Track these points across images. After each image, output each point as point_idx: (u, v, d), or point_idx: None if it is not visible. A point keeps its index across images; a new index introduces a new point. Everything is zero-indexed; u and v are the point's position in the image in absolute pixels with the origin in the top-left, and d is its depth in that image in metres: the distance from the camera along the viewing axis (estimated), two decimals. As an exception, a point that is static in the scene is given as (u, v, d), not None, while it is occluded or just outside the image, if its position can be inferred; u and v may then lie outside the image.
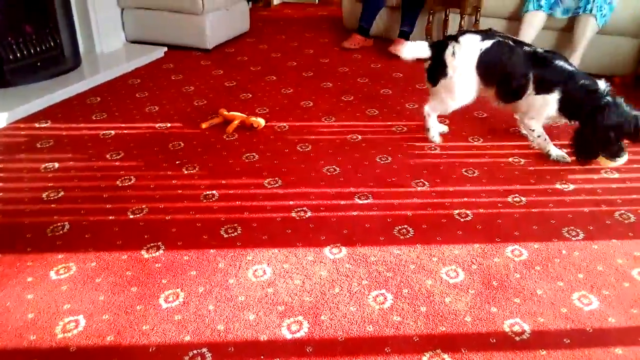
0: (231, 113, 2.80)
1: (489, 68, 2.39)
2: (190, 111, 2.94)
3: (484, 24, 3.76)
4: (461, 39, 2.40)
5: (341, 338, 1.50)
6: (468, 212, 2.07)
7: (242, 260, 1.79)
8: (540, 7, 3.43)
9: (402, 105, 3.05)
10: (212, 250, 1.84)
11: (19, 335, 1.50)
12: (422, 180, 2.29)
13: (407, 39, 3.98)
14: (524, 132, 2.60)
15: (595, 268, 1.77)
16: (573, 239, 1.92)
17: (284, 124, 2.79)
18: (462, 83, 2.44)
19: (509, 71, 2.37)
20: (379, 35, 4.23)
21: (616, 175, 2.34)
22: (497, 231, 1.96)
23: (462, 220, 2.02)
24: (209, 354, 1.44)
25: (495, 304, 1.62)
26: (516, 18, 3.63)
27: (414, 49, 2.45)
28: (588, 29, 3.29)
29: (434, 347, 1.47)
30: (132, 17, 3.94)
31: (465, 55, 2.39)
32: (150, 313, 1.57)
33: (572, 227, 1.98)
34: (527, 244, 1.89)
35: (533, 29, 3.47)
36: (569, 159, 2.43)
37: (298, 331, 1.52)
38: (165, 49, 3.88)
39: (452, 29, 3.82)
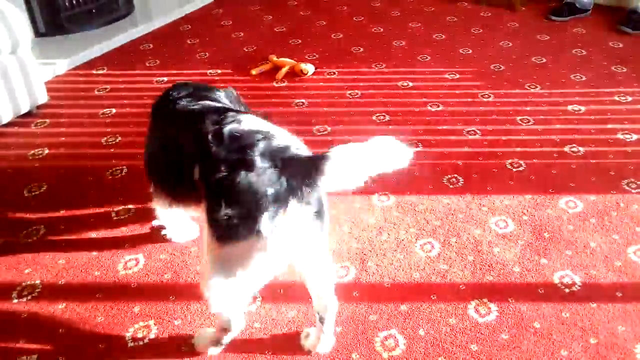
0: (281, 59, 2.78)
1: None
2: (240, 57, 2.94)
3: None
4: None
5: (387, 284, 1.53)
6: (521, 162, 2.01)
7: (291, 206, 1.83)
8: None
9: (456, 50, 2.94)
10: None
11: (85, 271, 1.61)
12: (474, 128, 2.23)
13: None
14: None
15: (655, 222, 1.71)
16: (633, 191, 1.84)
17: (334, 70, 2.76)
18: None
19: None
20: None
21: (685, 125, 2.20)
22: (551, 182, 1.90)
23: (514, 170, 1.97)
24: (259, 294, 1.50)
25: (546, 255, 1.60)
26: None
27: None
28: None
29: (481, 296, 1.48)
30: (181, -38, 3.91)
31: None
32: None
33: (632, 179, 1.90)
34: (582, 196, 1.83)
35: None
36: None
37: (345, 276, 1.56)
38: (215, -6, 3.85)
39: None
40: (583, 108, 2.34)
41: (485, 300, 1.46)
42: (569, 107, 2.36)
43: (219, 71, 2.79)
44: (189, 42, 3.15)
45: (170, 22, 3.46)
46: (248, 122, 1.24)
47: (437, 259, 1.60)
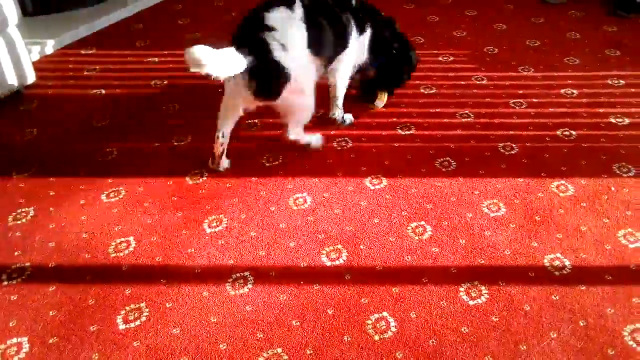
0: (273, 40, 2.74)
1: (319, 37, 1.83)
2: (232, 38, 2.90)
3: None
4: (273, 22, 1.71)
5: (379, 267, 1.53)
6: (513, 145, 2.01)
7: (283, 189, 1.82)
8: None
9: (450, 33, 2.91)
10: (254, 179, 1.87)
11: (75, 254, 1.60)
12: (466, 111, 2.22)
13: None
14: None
15: (645, 206, 1.72)
16: (624, 175, 1.85)
17: (326, 52, 2.72)
18: (308, 72, 1.83)
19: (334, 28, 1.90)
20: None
21: (677, 110, 2.20)
22: (543, 165, 1.90)
23: (506, 153, 1.97)
24: (251, 277, 1.51)
25: (537, 238, 1.61)
26: None
27: (223, 61, 1.60)
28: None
29: (472, 279, 1.49)
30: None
31: (297, 40, 1.75)
32: (195, 237, 1.64)
33: (624, 163, 1.90)
34: (574, 179, 1.83)
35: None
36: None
37: (337, 259, 1.56)
38: (207, -28, 3.78)
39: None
40: (576, 91, 2.34)
41: (476, 283, 1.47)
42: (562, 91, 2.35)
43: (211, 52, 2.75)
44: (180, 22, 3.10)
45: (161, 1, 3.40)
46: None
47: (429, 242, 1.61)
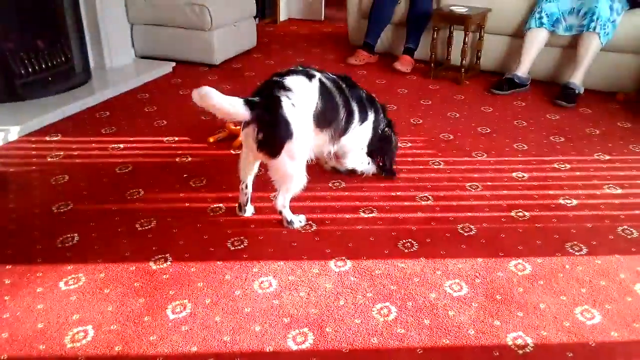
0: (238, 127, 2.83)
1: (326, 109, 2.04)
2: (198, 125, 2.99)
3: (487, 40, 3.81)
4: (290, 84, 1.92)
5: (345, 350, 1.52)
6: (472, 226, 2.09)
7: (248, 273, 1.82)
8: (542, 24, 3.47)
9: (407, 120, 3.09)
10: (218, 262, 1.87)
11: (29, 345, 1.52)
12: (426, 194, 2.31)
13: (412, 55, 4.03)
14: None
15: (598, 283, 1.79)
16: (576, 253, 1.94)
17: (290, 139, 2.83)
18: (307, 138, 1.99)
19: (344, 106, 2.13)
20: (383, 51, 4.29)
21: (619, 191, 2.36)
22: (500, 245, 1.98)
23: (465, 234, 2.04)
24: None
25: (499, 317, 1.64)
26: (519, 35, 3.67)
27: (222, 99, 1.76)
28: (592, 47, 3.33)
29: (438, 359, 1.48)
30: (141, 33, 4.02)
31: (305, 104, 1.95)
32: (157, 324, 1.60)
33: (576, 242, 2.00)
34: (530, 259, 1.90)
35: (535, 46, 3.52)
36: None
37: (303, 342, 1.54)
38: (174, 64, 3.95)
39: (456, 46, 3.87)
40: (526, 175, 2.48)
41: (442, 364, 1.47)
42: (514, 174, 2.49)
43: (176, 138, 2.82)
44: (147, 110, 3.19)
45: (127, 90, 3.50)
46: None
47: (394, 323, 1.61)
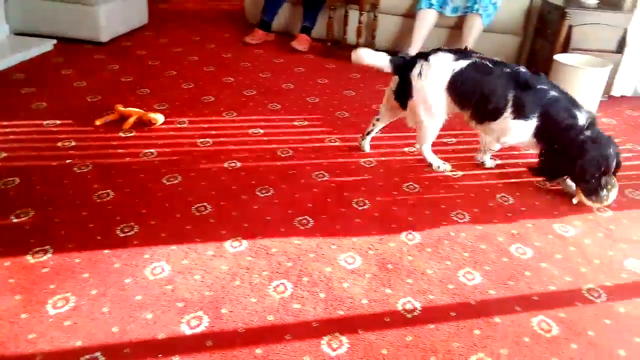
0: (128, 109, 2.69)
1: (464, 90, 2.24)
2: (83, 107, 2.79)
3: (382, 19, 3.90)
4: (432, 58, 2.25)
5: (241, 329, 1.51)
6: (366, 201, 2.15)
7: (138, 259, 1.74)
8: (431, 5, 3.62)
9: (304, 99, 3.10)
10: (106, 251, 1.77)
11: None
12: (322, 171, 2.34)
13: (309, 34, 4.03)
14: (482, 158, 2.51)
15: (479, 247, 1.92)
16: (460, 221, 2.06)
17: (184, 119, 2.74)
18: (429, 105, 2.28)
19: (486, 93, 2.21)
20: (280, 30, 4.25)
21: (499, 162, 2.53)
22: (393, 217, 2.05)
23: (360, 208, 2.10)
24: (103, 358, 1.39)
25: (390, 285, 1.71)
26: (411, 15, 3.80)
27: (372, 57, 2.34)
28: (475, 27, 3.53)
29: (333, 330, 1.52)
30: (17, 7, 3.65)
31: (434, 76, 2.24)
32: (36, 321, 1.49)
33: (460, 211, 2.12)
34: (419, 228, 2.00)
35: (426, 26, 3.66)
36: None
37: (198, 326, 1.51)
38: (55, 41, 3.64)
39: (351, 25, 3.93)
40: (415, 149, 2.59)
41: (337, 334, 1.51)
42: (405, 149, 2.59)
43: (58, 122, 2.62)
44: (24, 92, 2.93)
45: (0, 70, 3.19)
46: None
47: (290, 299, 1.62)
